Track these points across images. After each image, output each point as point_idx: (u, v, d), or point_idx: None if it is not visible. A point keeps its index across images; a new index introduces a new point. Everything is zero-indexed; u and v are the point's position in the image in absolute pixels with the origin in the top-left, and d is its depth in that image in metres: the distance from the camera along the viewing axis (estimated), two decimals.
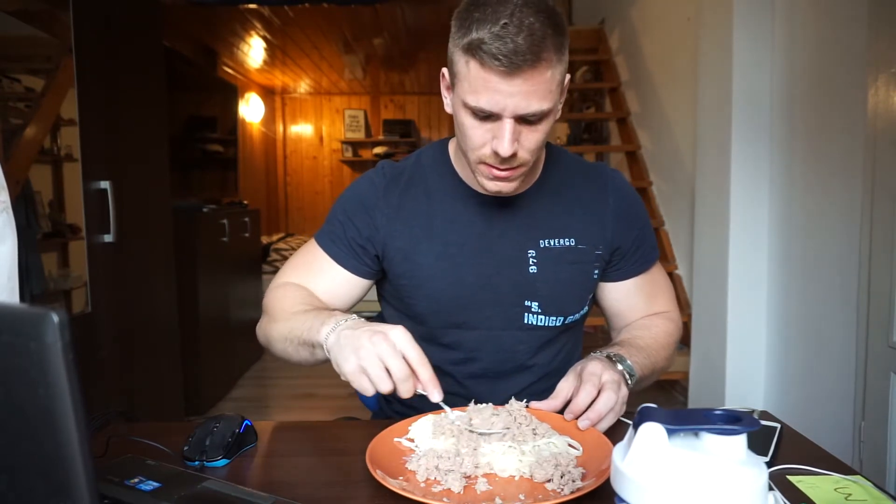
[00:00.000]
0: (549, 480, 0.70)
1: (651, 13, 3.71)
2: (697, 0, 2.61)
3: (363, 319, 0.85)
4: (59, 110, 1.97)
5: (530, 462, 0.73)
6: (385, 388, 0.75)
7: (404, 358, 0.76)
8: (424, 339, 0.99)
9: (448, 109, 0.94)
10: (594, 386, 0.85)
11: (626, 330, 1.08)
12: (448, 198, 1.03)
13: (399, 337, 0.77)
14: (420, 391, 0.77)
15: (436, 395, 0.77)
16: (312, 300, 1.01)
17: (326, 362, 0.87)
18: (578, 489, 0.67)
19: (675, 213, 3.37)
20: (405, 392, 0.76)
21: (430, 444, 0.78)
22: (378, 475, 0.70)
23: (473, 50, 0.81)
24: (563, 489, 0.68)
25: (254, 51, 5.26)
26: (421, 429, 0.83)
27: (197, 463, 0.78)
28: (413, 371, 0.76)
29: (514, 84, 0.80)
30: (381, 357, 0.75)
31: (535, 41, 0.78)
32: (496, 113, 0.83)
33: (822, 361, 2.02)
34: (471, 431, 0.79)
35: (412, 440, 0.82)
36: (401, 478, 0.72)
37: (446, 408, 0.81)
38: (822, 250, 2.01)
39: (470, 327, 1.02)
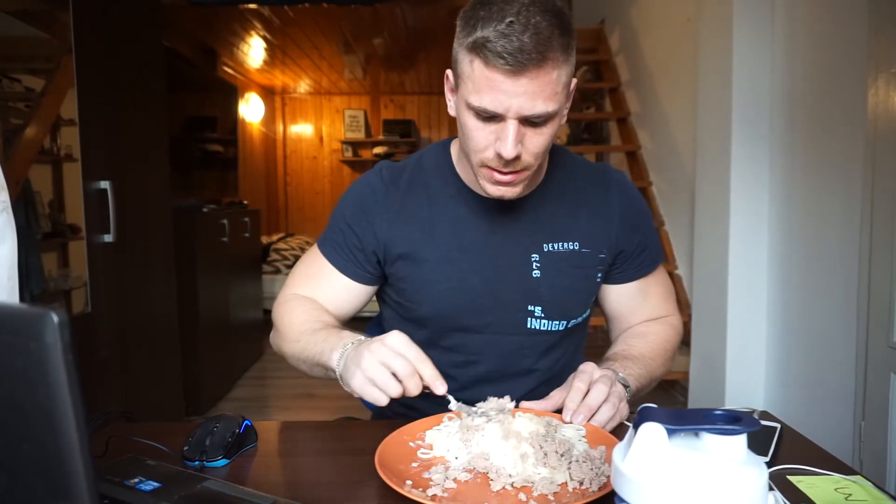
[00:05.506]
0: (581, 481, 0.69)
1: (651, 13, 3.71)
2: (697, 0, 2.61)
3: (365, 338, 0.86)
4: (59, 110, 1.97)
5: (566, 468, 0.71)
6: (394, 391, 0.76)
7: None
8: (426, 342, 0.98)
9: (451, 112, 0.93)
10: (584, 383, 0.85)
11: (622, 339, 1.07)
12: (450, 201, 1.01)
13: (395, 340, 0.79)
14: (425, 390, 0.78)
15: (440, 388, 0.78)
16: (319, 314, 1.01)
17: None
18: (604, 485, 0.67)
19: (675, 213, 3.37)
20: (413, 389, 0.77)
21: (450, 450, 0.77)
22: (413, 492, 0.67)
23: (478, 48, 0.79)
24: (590, 485, 0.68)
25: (254, 51, 5.26)
26: (438, 436, 0.81)
27: (197, 463, 0.78)
28: (415, 370, 0.77)
29: (519, 84, 0.79)
30: (383, 361, 0.77)
31: (542, 40, 0.77)
32: (500, 114, 0.81)
33: (822, 361, 2.02)
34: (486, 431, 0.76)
35: (430, 447, 0.79)
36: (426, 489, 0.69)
37: (452, 399, 0.81)
38: (823, 250, 2.01)
39: (473, 331, 1.01)
